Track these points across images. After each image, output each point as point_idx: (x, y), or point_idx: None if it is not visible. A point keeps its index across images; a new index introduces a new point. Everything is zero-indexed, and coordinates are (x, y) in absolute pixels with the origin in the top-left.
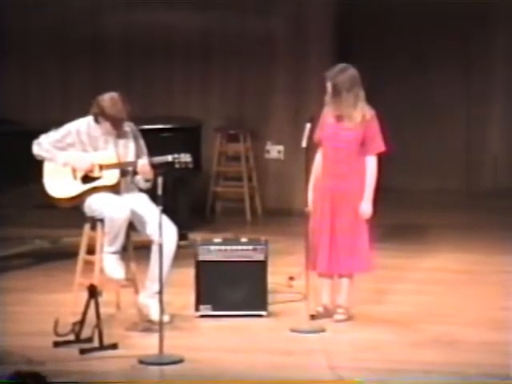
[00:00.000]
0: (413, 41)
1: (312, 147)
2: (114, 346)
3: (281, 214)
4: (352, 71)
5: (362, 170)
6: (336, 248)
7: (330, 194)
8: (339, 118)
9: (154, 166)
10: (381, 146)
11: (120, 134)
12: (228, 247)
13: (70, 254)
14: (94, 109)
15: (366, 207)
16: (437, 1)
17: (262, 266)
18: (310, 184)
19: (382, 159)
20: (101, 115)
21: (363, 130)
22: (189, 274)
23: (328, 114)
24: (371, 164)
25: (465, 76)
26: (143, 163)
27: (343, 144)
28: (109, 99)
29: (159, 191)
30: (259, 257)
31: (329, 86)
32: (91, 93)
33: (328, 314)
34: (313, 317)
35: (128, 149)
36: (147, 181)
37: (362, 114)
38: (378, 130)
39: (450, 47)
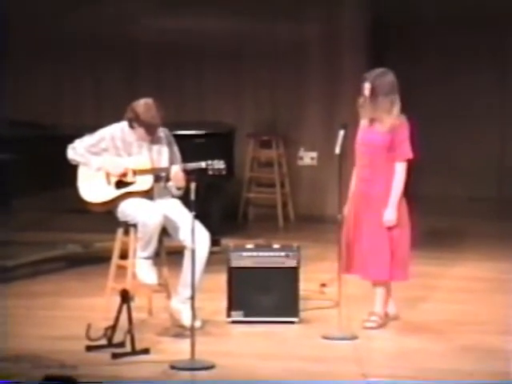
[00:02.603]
0: (446, 48)
1: (345, 154)
2: (145, 351)
3: (313, 220)
4: (391, 77)
5: (388, 176)
6: (360, 253)
7: (356, 197)
8: (371, 122)
9: (187, 172)
10: (408, 153)
11: (154, 140)
12: (260, 253)
13: (103, 259)
14: (129, 114)
15: (390, 214)
16: (472, 4)
17: (294, 272)
18: (351, 190)
19: (412, 167)
20: (135, 121)
21: (391, 136)
22: (221, 279)
23: (363, 117)
24: (398, 171)
25: (500, 82)
26: (176, 170)
27: (368, 148)
28: (143, 105)
29: (192, 197)
30: (291, 263)
31: (367, 87)
32: (123, 99)
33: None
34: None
35: (162, 154)
36: (179, 189)
37: (393, 120)
38: (407, 137)
39: (485, 53)
